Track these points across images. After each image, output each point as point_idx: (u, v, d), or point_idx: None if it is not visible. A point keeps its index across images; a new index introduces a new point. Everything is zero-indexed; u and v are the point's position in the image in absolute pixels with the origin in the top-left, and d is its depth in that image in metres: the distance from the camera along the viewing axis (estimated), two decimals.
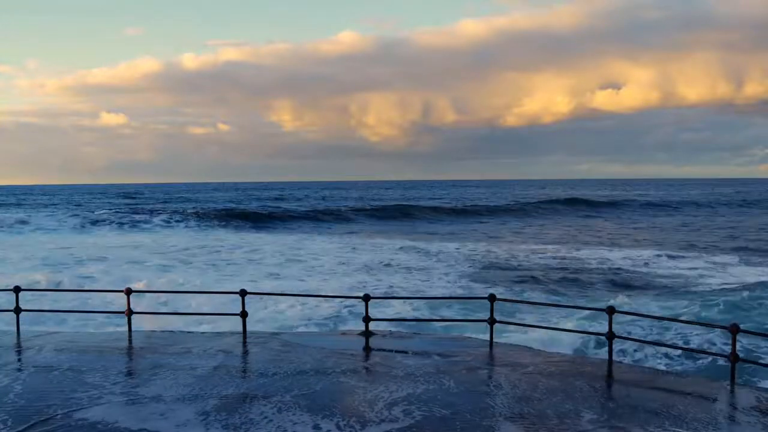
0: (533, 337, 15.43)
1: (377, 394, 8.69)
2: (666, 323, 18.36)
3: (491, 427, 7.46)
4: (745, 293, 24.78)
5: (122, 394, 8.77)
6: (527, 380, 9.36)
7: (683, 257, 37.01)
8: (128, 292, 12.76)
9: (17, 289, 12.82)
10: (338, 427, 7.46)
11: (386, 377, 9.55)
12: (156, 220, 60.32)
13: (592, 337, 15.44)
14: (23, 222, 56.85)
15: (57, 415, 7.90)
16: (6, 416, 7.86)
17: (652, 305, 22.99)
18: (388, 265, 33.62)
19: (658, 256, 37.28)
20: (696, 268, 32.62)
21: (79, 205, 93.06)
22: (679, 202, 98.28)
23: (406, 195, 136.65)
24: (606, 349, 10.73)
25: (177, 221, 59.78)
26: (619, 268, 32.77)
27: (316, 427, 7.46)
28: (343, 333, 13.36)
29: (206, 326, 14.87)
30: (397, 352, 11.18)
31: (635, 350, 15.58)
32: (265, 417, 7.80)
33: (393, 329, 13.55)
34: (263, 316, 19.35)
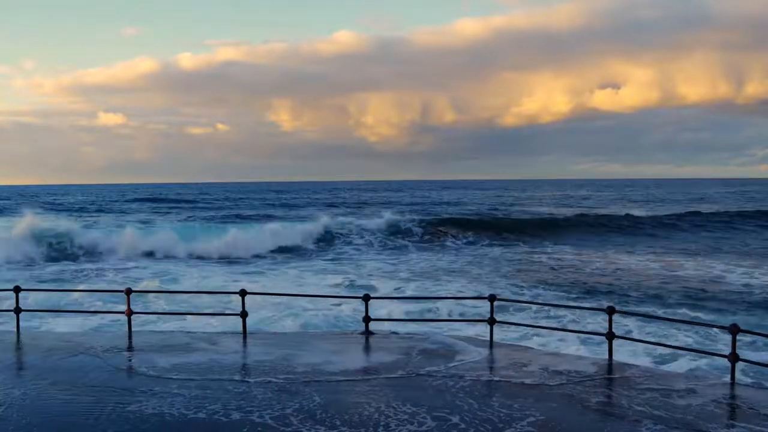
0: (534, 336, 15.52)
1: (376, 396, 8.69)
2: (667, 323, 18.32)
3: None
4: None
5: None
6: (532, 380, 9.39)
7: None
8: (128, 292, 12.78)
9: (17, 289, 12.85)
10: None
11: (386, 377, 9.55)
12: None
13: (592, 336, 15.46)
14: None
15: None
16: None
17: None
18: None
19: None
20: None
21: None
22: None
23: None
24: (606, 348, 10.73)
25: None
26: None
27: None
28: (344, 333, 13.36)
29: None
30: (397, 351, 11.17)
31: (638, 350, 15.57)
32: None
33: (393, 329, 13.55)
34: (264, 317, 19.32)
